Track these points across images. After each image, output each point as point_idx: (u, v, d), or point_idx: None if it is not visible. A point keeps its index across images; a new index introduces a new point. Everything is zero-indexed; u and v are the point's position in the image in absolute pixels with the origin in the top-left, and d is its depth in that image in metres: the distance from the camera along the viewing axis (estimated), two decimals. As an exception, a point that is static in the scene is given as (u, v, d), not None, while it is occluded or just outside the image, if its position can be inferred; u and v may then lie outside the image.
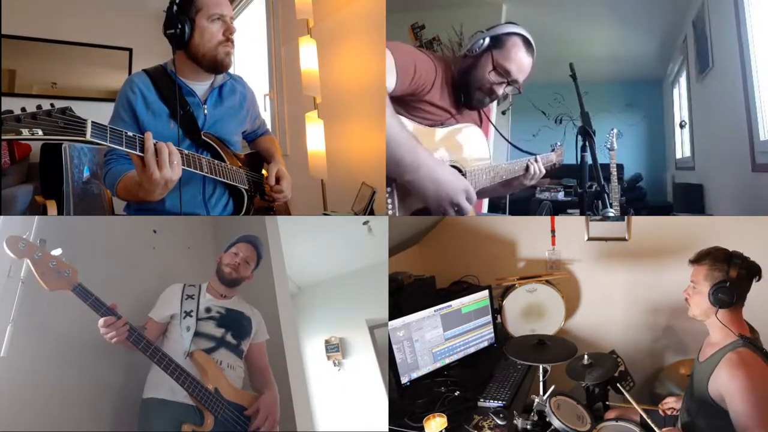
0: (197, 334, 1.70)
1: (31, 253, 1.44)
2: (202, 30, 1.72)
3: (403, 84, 1.63)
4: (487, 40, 1.75)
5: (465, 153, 1.86)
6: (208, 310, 1.78)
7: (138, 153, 1.39)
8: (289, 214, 2.20)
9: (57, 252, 1.49)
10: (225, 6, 1.75)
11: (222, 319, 1.79)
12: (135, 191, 1.53)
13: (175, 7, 1.70)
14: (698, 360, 1.64)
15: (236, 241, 1.93)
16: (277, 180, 1.94)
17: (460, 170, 1.78)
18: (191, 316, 1.72)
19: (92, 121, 1.29)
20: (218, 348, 1.72)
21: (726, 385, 1.46)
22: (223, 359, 1.71)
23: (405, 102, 1.73)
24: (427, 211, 1.66)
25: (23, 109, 1.18)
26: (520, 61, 1.77)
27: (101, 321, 1.50)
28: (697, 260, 1.61)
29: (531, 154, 2.06)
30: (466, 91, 1.82)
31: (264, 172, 2.02)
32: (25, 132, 1.17)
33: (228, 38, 1.75)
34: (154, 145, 1.40)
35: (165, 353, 1.56)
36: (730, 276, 1.52)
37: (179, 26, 1.68)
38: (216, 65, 1.78)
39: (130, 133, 1.37)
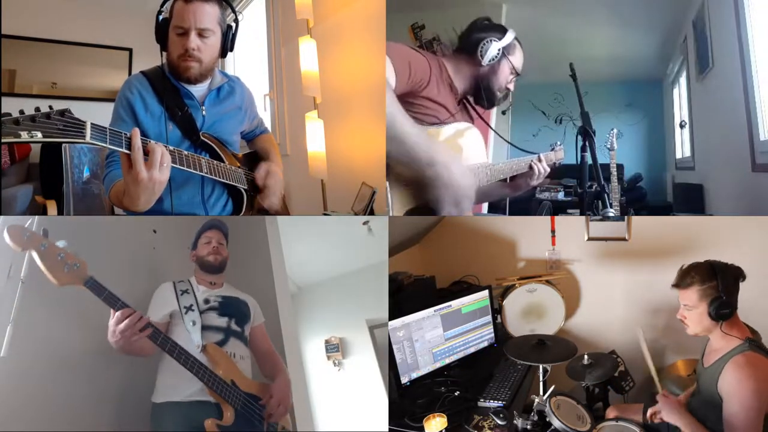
0: (204, 327, 1.69)
1: (36, 243, 1.34)
2: (170, 42, 1.74)
3: (401, 83, 1.66)
4: (501, 50, 1.93)
5: (464, 152, 1.86)
6: (206, 301, 1.78)
7: (125, 150, 1.35)
8: (289, 214, 2.20)
9: (62, 243, 1.40)
10: (189, 20, 1.68)
11: (222, 308, 1.78)
12: (121, 198, 1.49)
13: (160, 17, 1.72)
14: (703, 366, 1.64)
15: (200, 231, 1.92)
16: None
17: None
18: (193, 310, 1.71)
19: (91, 123, 1.29)
20: (228, 339, 1.72)
21: (729, 385, 1.47)
22: (235, 351, 1.72)
23: (405, 101, 1.74)
24: (421, 210, 1.67)
25: (21, 112, 1.18)
26: (522, 58, 2.03)
27: (117, 314, 1.41)
28: (682, 284, 1.60)
29: (530, 153, 2.07)
30: (490, 95, 1.99)
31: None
32: (24, 135, 1.15)
33: (187, 53, 1.71)
34: (146, 145, 1.38)
35: (183, 348, 1.54)
36: (723, 289, 1.53)
37: (161, 36, 1.74)
38: (181, 77, 1.77)
39: (129, 134, 1.37)
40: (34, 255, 1.34)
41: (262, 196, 1.90)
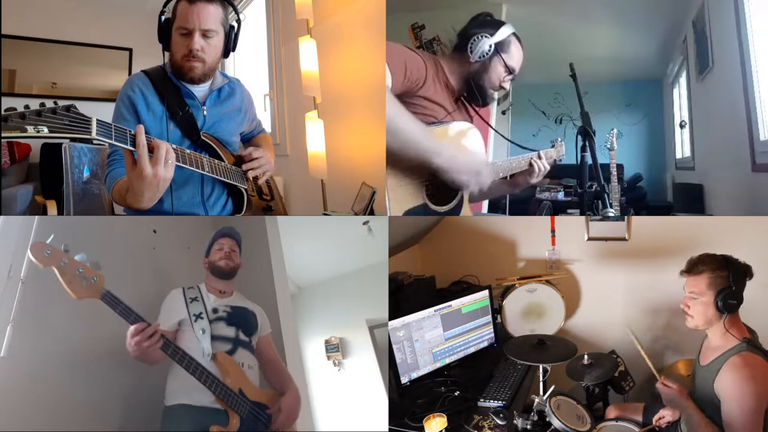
0: (213, 336, 1.70)
1: (57, 260, 1.37)
2: (173, 42, 1.74)
3: (397, 83, 1.67)
4: (493, 46, 1.85)
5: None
6: (215, 310, 1.78)
7: (130, 147, 1.36)
8: (287, 214, 2.20)
9: (81, 257, 1.43)
10: (193, 21, 1.68)
11: (230, 318, 1.79)
12: (124, 195, 1.49)
13: (162, 17, 1.71)
14: (699, 364, 1.64)
15: (214, 238, 1.94)
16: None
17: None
18: (202, 318, 1.71)
19: (97, 119, 1.29)
20: (236, 349, 1.73)
21: (727, 387, 1.46)
22: (243, 360, 1.72)
23: (402, 101, 1.74)
24: (417, 210, 1.67)
25: (26, 107, 1.17)
26: (520, 57, 1.94)
27: (132, 329, 1.46)
28: (693, 270, 1.58)
29: (530, 150, 2.07)
30: (482, 93, 1.92)
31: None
32: (30, 129, 1.15)
33: (191, 53, 1.71)
34: (150, 141, 1.38)
35: (192, 358, 1.56)
36: (734, 280, 1.52)
37: (163, 36, 1.73)
38: (184, 77, 1.77)
39: (134, 131, 1.37)
40: (55, 271, 1.37)
41: (247, 165, 1.87)
